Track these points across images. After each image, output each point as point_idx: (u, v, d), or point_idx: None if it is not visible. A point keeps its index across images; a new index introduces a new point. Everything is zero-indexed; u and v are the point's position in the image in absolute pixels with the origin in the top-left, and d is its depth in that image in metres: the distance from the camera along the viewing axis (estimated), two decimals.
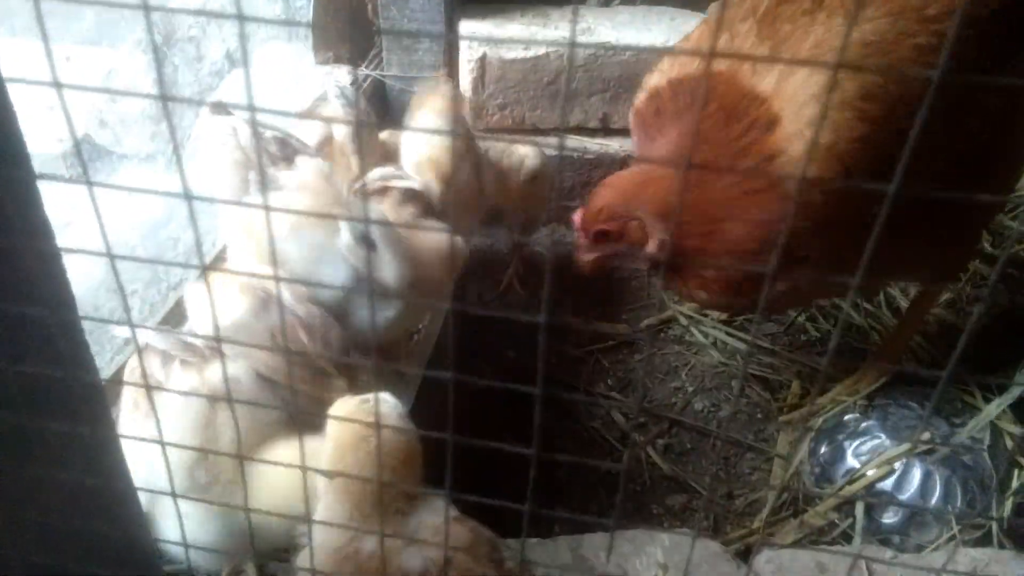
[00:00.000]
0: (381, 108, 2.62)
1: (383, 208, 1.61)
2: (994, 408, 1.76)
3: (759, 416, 1.97)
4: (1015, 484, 1.62)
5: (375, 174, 1.67)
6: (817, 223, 1.35)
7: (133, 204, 2.08)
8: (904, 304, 2.24)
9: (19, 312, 0.73)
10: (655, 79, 1.59)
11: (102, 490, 0.92)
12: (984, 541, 1.59)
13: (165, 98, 0.62)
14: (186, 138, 2.35)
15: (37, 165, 0.76)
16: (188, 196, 0.62)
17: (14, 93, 0.73)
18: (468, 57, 2.43)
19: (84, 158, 2.35)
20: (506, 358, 2.11)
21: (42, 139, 2.19)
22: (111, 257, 0.65)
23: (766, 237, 1.41)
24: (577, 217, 1.51)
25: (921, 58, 1.37)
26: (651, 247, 1.46)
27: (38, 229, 0.75)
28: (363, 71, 2.62)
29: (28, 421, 0.78)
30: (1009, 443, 1.73)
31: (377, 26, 2.56)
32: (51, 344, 0.76)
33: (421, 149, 1.76)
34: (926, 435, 1.70)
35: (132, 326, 0.80)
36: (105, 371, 1.52)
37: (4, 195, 0.71)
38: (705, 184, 1.42)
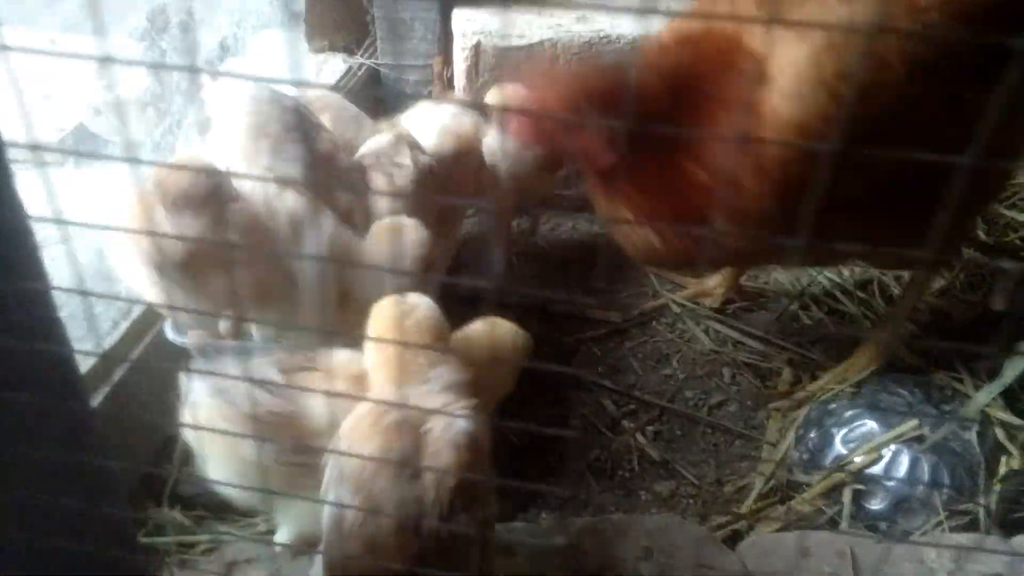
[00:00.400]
0: (375, 96, 2.62)
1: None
2: (984, 395, 1.75)
3: (749, 404, 1.97)
4: (1003, 470, 1.62)
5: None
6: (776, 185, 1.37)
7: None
8: (898, 292, 2.23)
9: None
10: (660, 36, 1.59)
11: (79, 467, 0.92)
12: (971, 527, 1.59)
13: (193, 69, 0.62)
14: (176, 125, 2.36)
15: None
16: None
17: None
18: (462, 45, 2.42)
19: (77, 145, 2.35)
20: None
21: (39, 128, 2.20)
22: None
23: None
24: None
25: (905, 48, 1.36)
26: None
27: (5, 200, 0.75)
28: (357, 60, 2.62)
29: None
30: (999, 431, 1.72)
31: (371, 14, 2.56)
32: (18, 316, 0.77)
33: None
34: (914, 422, 1.70)
35: None
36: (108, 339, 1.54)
37: None
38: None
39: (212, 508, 1.56)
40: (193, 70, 2.02)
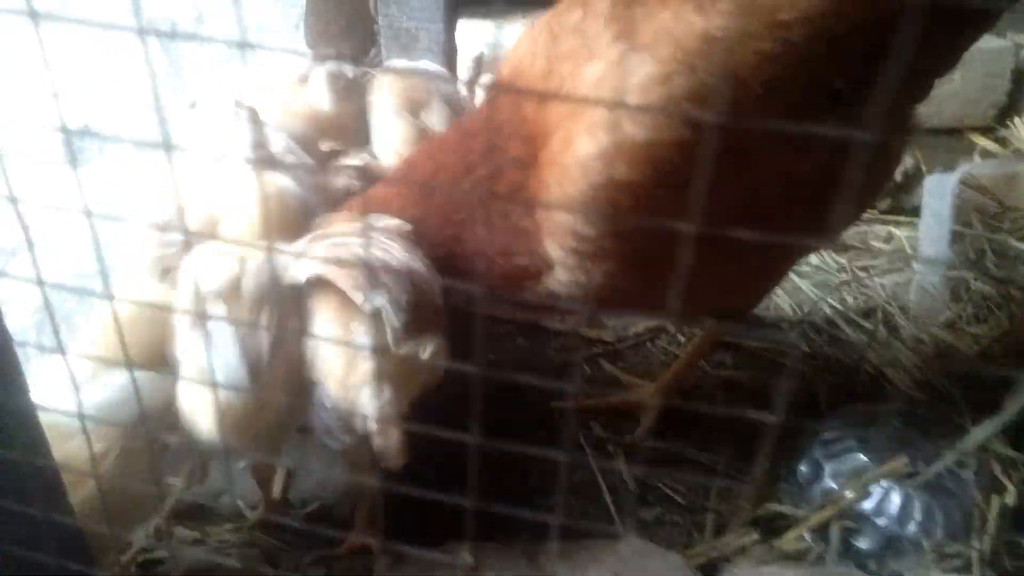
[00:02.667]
0: None
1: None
2: (981, 431, 1.68)
3: (741, 430, 1.91)
4: (995, 511, 1.55)
5: None
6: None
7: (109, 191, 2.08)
8: (902, 322, 2.17)
9: None
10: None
11: (16, 465, 0.90)
12: (964, 570, 1.52)
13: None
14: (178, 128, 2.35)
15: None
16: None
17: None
18: (467, 56, 2.41)
19: (76, 145, 2.36)
20: (487, 360, 2.07)
21: (44, 128, 2.21)
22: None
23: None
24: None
25: (763, 67, 1.27)
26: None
27: None
28: (361, 69, 2.61)
29: None
30: (996, 465, 1.65)
31: (376, 23, 2.55)
32: None
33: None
34: (905, 459, 1.64)
35: None
36: None
37: None
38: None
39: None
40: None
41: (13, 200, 0.72)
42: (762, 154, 1.31)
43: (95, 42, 2.55)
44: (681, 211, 1.36)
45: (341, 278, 1.20)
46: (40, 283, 0.72)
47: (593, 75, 1.35)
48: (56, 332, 0.79)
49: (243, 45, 0.65)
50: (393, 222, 1.41)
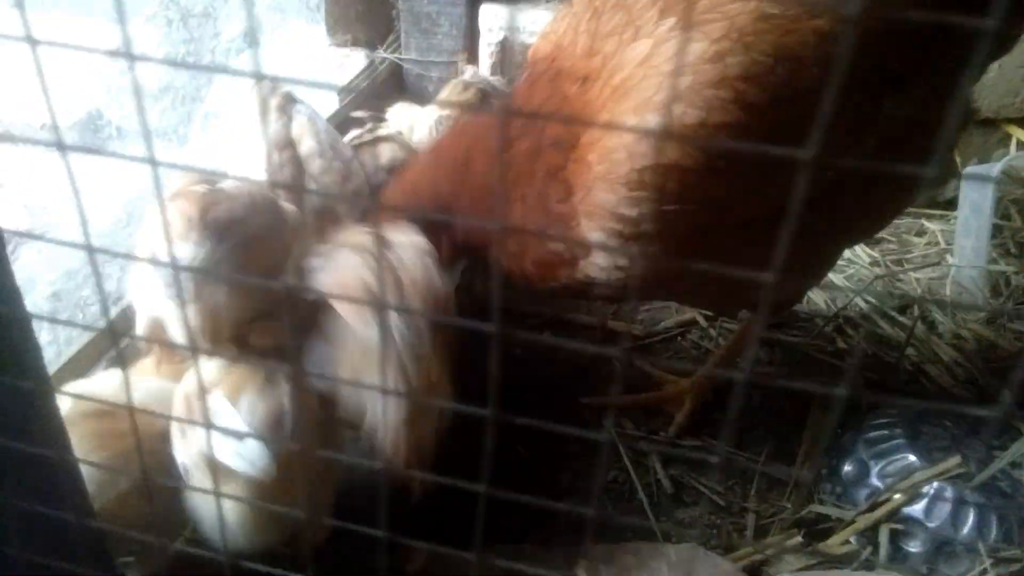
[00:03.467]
0: (398, 92, 2.54)
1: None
2: None
3: (781, 427, 1.84)
4: None
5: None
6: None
7: (130, 177, 2.01)
8: (939, 317, 2.11)
9: None
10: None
11: (39, 462, 0.83)
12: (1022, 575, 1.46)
13: None
14: (198, 114, 2.28)
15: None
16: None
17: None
18: (488, 41, 2.33)
19: (91, 132, 2.29)
20: (512, 355, 2.00)
21: (57, 111, 2.14)
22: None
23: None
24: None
25: (819, 46, 1.20)
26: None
27: None
28: (380, 54, 2.54)
29: None
30: None
31: (396, 8, 2.48)
32: None
33: None
34: (958, 459, 1.57)
35: None
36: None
37: None
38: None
39: None
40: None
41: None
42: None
43: (106, 29, 2.48)
44: (728, 195, 1.31)
45: (351, 314, 1.14)
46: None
47: (639, 53, 1.28)
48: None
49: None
50: (409, 238, 1.32)
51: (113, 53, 2.21)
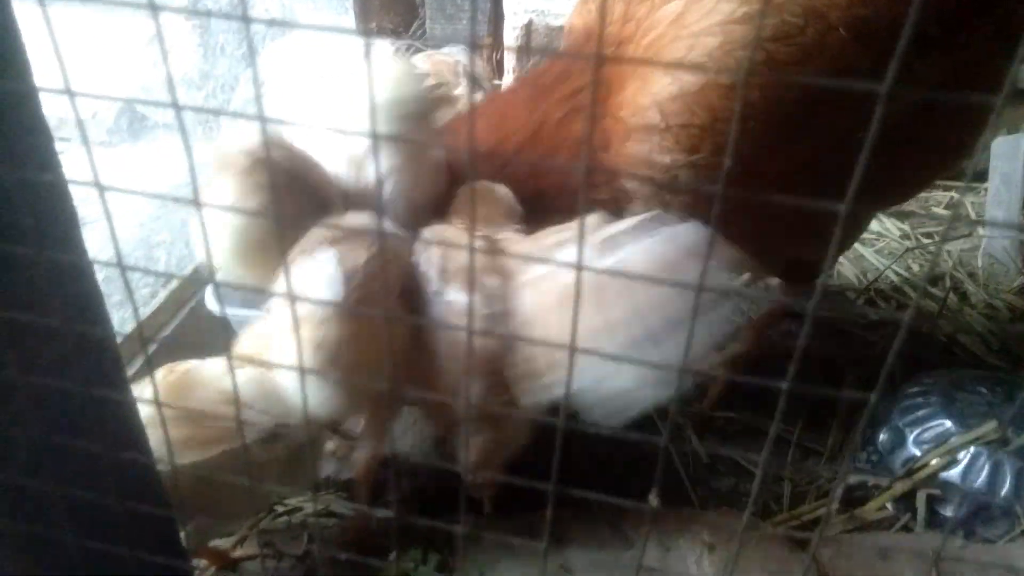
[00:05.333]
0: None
1: None
2: None
3: (813, 398, 1.86)
4: None
5: None
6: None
7: (166, 168, 2.06)
8: (971, 288, 2.10)
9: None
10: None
11: (118, 462, 0.85)
12: None
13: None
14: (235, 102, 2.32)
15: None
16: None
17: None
18: (513, 24, 2.35)
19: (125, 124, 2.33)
20: None
21: (88, 106, 2.18)
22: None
23: None
24: None
25: (852, 8, 1.21)
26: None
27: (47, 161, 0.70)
28: (405, 41, 2.57)
29: (21, 379, 0.72)
30: None
31: None
32: (54, 293, 0.70)
33: None
34: (994, 423, 1.58)
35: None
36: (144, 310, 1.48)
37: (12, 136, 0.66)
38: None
39: None
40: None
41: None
42: (844, 101, 1.27)
43: (137, 21, 2.52)
44: (757, 150, 1.32)
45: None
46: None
47: (672, 12, 1.30)
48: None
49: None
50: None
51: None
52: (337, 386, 1.07)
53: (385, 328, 1.08)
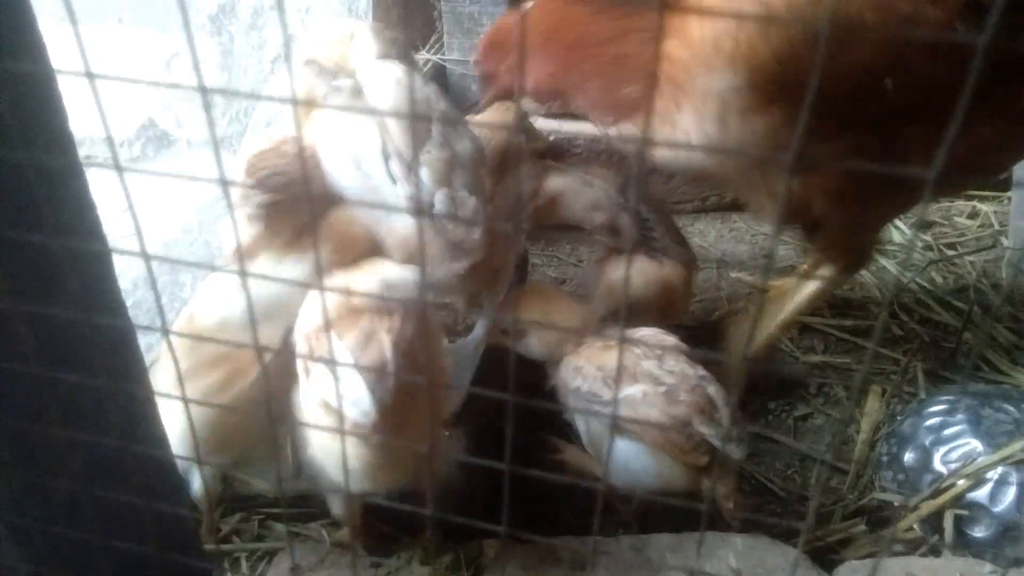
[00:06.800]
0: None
1: None
2: None
3: (838, 416, 1.85)
4: None
5: None
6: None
7: (190, 186, 2.07)
8: (997, 301, 2.08)
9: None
10: None
11: (136, 457, 0.86)
12: None
13: None
14: (243, 118, 2.33)
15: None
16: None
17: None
18: None
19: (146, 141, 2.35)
20: None
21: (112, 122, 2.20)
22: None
23: None
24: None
25: None
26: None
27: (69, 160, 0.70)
28: (423, 56, 2.57)
29: (44, 373, 0.73)
30: None
31: (438, 9, 2.51)
32: (74, 284, 0.71)
33: None
34: (1022, 443, 1.56)
35: None
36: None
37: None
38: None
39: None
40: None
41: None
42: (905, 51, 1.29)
43: (156, 39, 2.54)
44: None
45: None
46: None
47: None
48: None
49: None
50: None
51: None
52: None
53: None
